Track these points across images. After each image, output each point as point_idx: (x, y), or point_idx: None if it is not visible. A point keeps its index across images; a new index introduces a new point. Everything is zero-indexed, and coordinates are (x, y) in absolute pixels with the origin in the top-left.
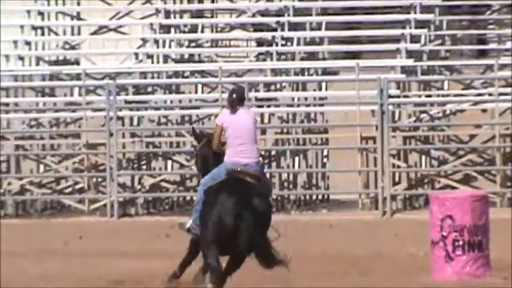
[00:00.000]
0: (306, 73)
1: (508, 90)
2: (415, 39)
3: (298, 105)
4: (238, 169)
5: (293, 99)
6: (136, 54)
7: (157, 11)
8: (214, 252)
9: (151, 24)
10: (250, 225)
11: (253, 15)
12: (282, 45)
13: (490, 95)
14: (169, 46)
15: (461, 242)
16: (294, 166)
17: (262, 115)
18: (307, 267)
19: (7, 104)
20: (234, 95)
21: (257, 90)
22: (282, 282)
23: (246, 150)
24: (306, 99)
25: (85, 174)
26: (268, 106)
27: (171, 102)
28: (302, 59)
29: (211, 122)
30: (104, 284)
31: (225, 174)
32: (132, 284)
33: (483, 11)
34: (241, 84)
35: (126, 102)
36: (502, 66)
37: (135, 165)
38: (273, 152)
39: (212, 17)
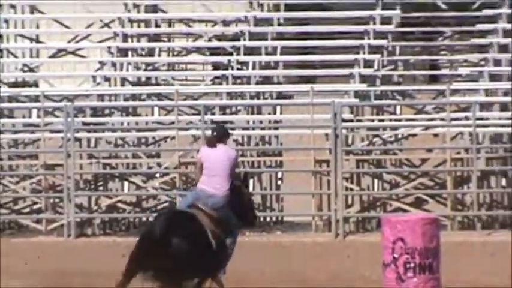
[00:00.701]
0: (261, 97)
1: (459, 115)
2: (368, 64)
3: (253, 128)
4: (199, 205)
5: (248, 122)
6: (94, 77)
7: (115, 35)
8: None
9: (109, 48)
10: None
11: (210, 40)
12: (238, 69)
13: (441, 119)
14: (127, 69)
15: (412, 264)
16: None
17: None
18: (258, 286)
19: None
20: (214, 133)
21: (213, 113)
22: None
23: (215, 182)
24: (261, 122)
25: (43, 194)
26: None
27: (128, 124)
28: (257, 83)
29: (168, 144)
30: None
31: (188, 205)
32: None
33: (435, 37)
34: (220, 123)
35: (84, 124)
36: (454, 92)
37: (92, 186)
38: None
39: (169, 40)
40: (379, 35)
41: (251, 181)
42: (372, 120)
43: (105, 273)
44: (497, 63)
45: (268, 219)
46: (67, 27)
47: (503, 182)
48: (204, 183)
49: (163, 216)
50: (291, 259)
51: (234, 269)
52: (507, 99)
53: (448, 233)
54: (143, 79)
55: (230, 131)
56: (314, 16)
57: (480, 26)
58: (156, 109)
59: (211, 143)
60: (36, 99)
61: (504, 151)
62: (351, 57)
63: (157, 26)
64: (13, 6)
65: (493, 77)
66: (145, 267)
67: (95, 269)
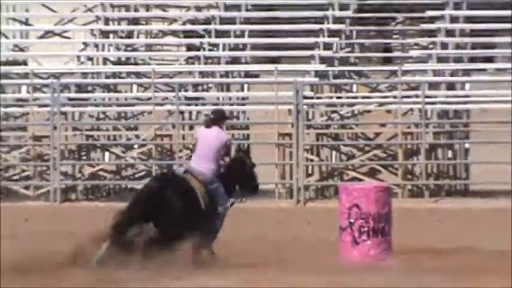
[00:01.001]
0: (230, 76)
1: (410, 93)
2: (327, 46)
3: (223, 104)
4: (192, 172)
5: (218, 98)
6: (79, 57)
7: (98, 18)
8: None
9: (92, 30)
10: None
11: (184, 23)
12: (209, 50)
13: (393, 97)
14: (108, 50)
15: (366, 228)
16: None
17: (190, 113)
18: (225, 249)
19: None
20: (212, 116)
21: (186, 90)
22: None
23: (201, 161)
24: (229, 99)
25: (31, 163)
26: (196, 105)
27: (109, 99)
28: (227, 63)
29: (145, 118)
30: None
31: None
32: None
33: (389, 22)
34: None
35: (69, 99)
36: (405, 72)
37: (76, 156)
38: None
39: (147, 24)
40: (338, 20)
41: None
42: (331, 98)
43: (88, 235)
44: (444, 46)
45: None
46: (54, 11)
47: (449, 154)
48: (193, 161)
49: (160, 176)
50: (255, 224)
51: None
52: (453, 79)
53: (398, 200)
54: (123, 59)
55: (228, 116)
56: (279, 3)
57: (429, 13)
58: (134, 86)
59: (207, 124)
60: (25, 76)
61: (450, 126)
62: (311, 40)
63: (136, 10)
64: None
65: (441, 59)
66: (137, 220)
67: (78, 232)
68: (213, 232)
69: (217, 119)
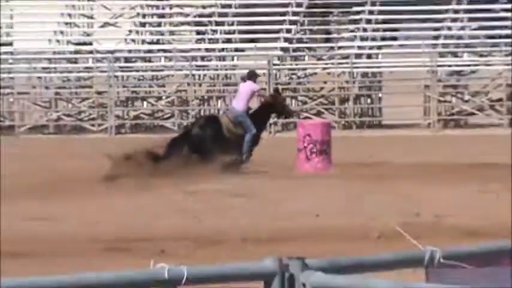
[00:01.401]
0: (225, 51)
1: (343, 61)
2: (289, 31)
3: (221, 70)
4: (227, 113)
5: (218, 66)
6: (126, 39)
7: (138, 14)
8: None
9: (134, 22)
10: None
11: (194, 17)
12: (211, 34)
13: (332, 64)
14: (144, 34)
15: (315, 150)
16: None
17: (199, 76)
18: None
19: None
20: (246, 74)
21: (196, 61)
22: None
23: (236, 103)
24: (225, 66)
25: (95, 109)
26: (203, 70)
27: (145, 67)
28: (223, 42)
29: (169, 78)
30: None
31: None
32: None
33: (328, 14)
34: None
35: (119, 67)
36: (339, 47)
37: (125, 104)
38: None
39: (170, 17)
40: (295, 13)
41: None
42: (291, 65)
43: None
44: (364, 30)
45: None
46: (108, 9)
47: (369, 100)
48: (233, 103)
49: (198, 118)
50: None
51: None
52: (371, 51)
53: (336, 131)
54: (154, 40)
55: (258, 74)
56: (257, 3)
57: (355, 8)
58: (162, 58)
59: (243, 80)
60: (91, 52)
61: (369, 82)
62: (278, 27)
63: (162, 8)
64: None
65: (362, 38)
66: (178, 148)
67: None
68: (240, 153)
69: (250, 76)
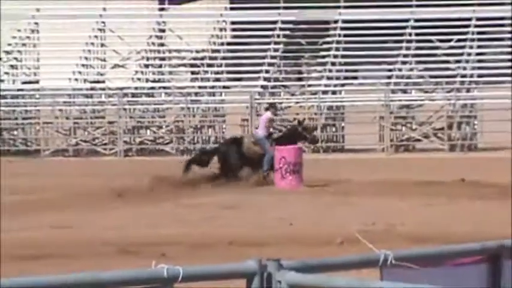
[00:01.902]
0: (215, 88)
1: (312, 97)
2: (267, 71)
3: (211, 103)
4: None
5: (208, 100)
6: (133, 78)
7: (143, 58)
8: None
9: (139, 64)
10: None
11: (189, 60)
12: (203, 74)
13: (303, 99)
14: (147, 74)
15: (289, 170)
16: None
17: (193, 109)
18: None
19: None
20: (266, 107)
21: (191, 96)
22: None
23: (258, 129)
24: (215, 100)
25: (107, 136)
26: (197, 104)
27: (149, 102)
28: (213, 81)
29: (168, 111)
30: None
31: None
32: None
33: (300, 58)
34: None
35: (127, 101)
36: (309, 85)
37: (132, 132)
38: None
39: (170, 60)
40: (273, 56)
41: None
42: (269, 99)
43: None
44: (330, 71)
45: None
46: (118, 52)
47: (333, 129)
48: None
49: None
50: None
51: None
52: (336, 88)
53: (306, 154)
54: (156, 79)
55: (275, 106)
56: (241, 48)
57: (321, 52)
58: (163, 94)
59: (266, 109)
60: (103, 89)
61: (333, 114)
62: (258, 68)
63: (163, 52)
64: None
65: (329, 78)
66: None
67: (135, 170)
68: (262, 168)
69: (268, 108)
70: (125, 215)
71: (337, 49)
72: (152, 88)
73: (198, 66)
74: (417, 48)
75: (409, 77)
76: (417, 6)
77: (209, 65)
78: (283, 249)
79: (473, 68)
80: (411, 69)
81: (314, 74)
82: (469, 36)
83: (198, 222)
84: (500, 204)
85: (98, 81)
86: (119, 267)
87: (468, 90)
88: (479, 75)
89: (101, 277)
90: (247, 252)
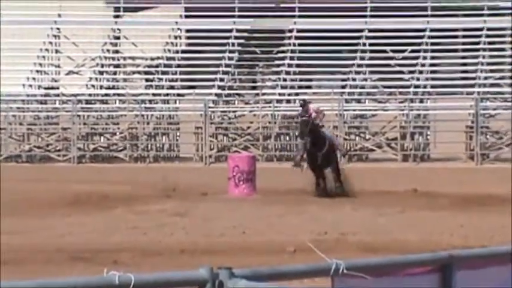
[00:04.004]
0: (170, 95)
1: (266, 105)
2: (222, 79)
3: (164, 110)
4: None
5: (162, 108)
6: (87, 85)
7: (97, 64)
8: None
9: (94, 70)
10: None
11: (144, 67)
12: (158, 81)
13: (257, 107)
14: (102, 81)
15: (242, 178)
16: None
17: (147, 116)
18: None
19: None
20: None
21: (145, 103)
22: None
23: None
24: (169, 108)
25: (60, 142)
26: (151, 111)
27: (103, 108)
28: (167, 88)
29: (123, 118)
30: None
31: None
32: None
33: (255, 67)
34: None
35: (81, 108)
36: (263, 94)
37: (85, 138)
38: None
39: (124, 67)
40: (227, 65)
41: None
42: (223, 107)
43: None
44: (284, 80)
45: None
46: (72, 59)
47: (287, 138)
48: None
49: None
50: (184, 177)
51: None
52: (290, 97)
53: (259, 163)
54: (111, 86)
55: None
56: (198, 56)
57: (276, 62)
58: (117, 101)
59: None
60: (58, 95)
61: (287, 123)
62: (213, 76)
63: (118, 59)
64: None
65: (283, 87)
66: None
67: (88, 176)
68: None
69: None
70: (78, 221)
71: (291, 58)
72: (106, 95)
73: (153, 74)
74: (371, 58)
75: (363, 87)
76: (371, 16)
77: (163, 73)
78: (235, 257)
79: (427, 79)
80: (365, 79)
81: (268, 83)
82: (423, 47)
83: (149, 230)
84: (452, 214)
85: (52, 88)
86: (71, 274)
87: (421, 101)
88: (433, 86)
89: (52, 284)
90: (199, 260)
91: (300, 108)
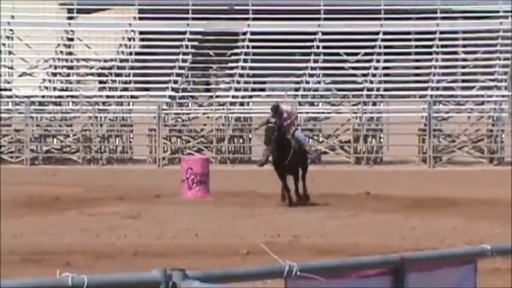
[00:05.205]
0: (123, 97)
1: (220, 107)
2: (175, 82)
3: (118, 112)
4: None
5: (116, 110)
6: (40, 87)
7: (50, 66)
8: None
9: (47, 72)
10: None
11: (97, 69)
12: (111, 83)
13: (211, 109)
14: (55, 82)
15: (196, 181)
16: None
17: (101, 118)
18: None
19: None
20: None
21: (99, 105)
22: None
23: None
24: (122, 110)
25: (13, 144)
26: (104, 113)
27: (56, 110)
28: (121, 90)
29: (76, 119)
30: None
31: None
32: None
33: (209, 69)
34: None
35: (34, 109)
36: (217, 96)
37: (38, 140)
38: None
39: (78, 69)
40: (181, 67)
41: None
42: (176, 109)
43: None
44: (238, 82)
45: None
46: (25, 61)
47: (241, 140)
48: None
49: None
50: (137, 179)
51: None
52: (244, 100)
53: (213, 165)
54: (64, 87)
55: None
56: (149, 58)
57: (230, 64)
58: (70, 102)
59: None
60: (11, 97)
61: (241, 125)
62: (167, 78)
63: (71, 61)
64: None
65: (237, 89)
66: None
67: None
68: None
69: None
70: (30, 223)
71: (245, 61)
72: (60, 97)
73: (106, 76)
74: (325, 61)
75: (316, 90)
76: (325, 19)
77: (117, 75)
78: (189, 259)
79: (380, 82)
80: (318, 82)
81: (222, 85)
82: (376, 50)
83: (102, 232)
84: (404, 217)
85: (5, 89)
86: (23, 276)
87: (374, 104)
88: (386, 89)
89: (5, 285)
90: (152, 262)
91: (271, 113)
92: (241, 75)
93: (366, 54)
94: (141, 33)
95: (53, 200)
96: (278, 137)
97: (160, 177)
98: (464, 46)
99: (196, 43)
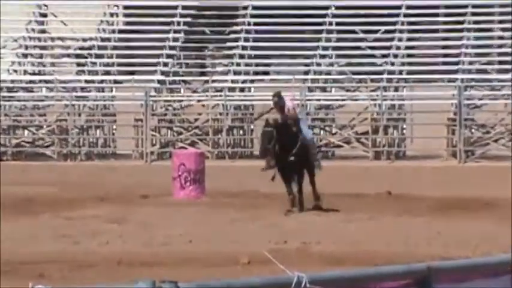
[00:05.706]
0: (104, 83)
1: (217, 94)
2: (165, 64)
3: (99, 100)
4: None
5: (97, 97)
6: (9, 70)
7: (20, 46)
8: None
9: (17, 54)
10: None
11: (75, 49)
12: (91, 66)
13: (206, 96)
14: (27, 65)
15: (189, 179)
16: None
17: (79, 106)
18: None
19: None
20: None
21: (76, 91)
22: None
23: None
24: (103, 97)
25: None
26: (83, 101)
27: (27, 97)
28: (102, 74)
29: (50, 108)
30: None
31: None
32: None
33: (204, 49)
34: None
35: (3, 97)
36: (214, 81)
37: (7, 132)
38: None
39: (52, 49)
40: (172, 47)
41: None
42: (166, 96)
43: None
44: (238, 64)
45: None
46: None
47: (241, 132)
48: None
49: None
50: (121, 177)
51: None
52: (244, 85)
53: (209, 161)
54: (37, 71)
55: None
56: (138, 45)
57: (228, 43)
58: (44, 88)
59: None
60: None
61: (241, 115)
62: (155, 60)
63: (45, 40)
64: None
65: (236, 73)
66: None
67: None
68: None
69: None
70: None
71: (246, 40)
72: (31, 82)
73: (85, 57)
74: (338, 40)
75: (328, 73)
76: None
77: (98, 56)
78: (180, 269)
79: (403, 64)
80: (331, 64)
81: (219, 68)
82: (398, 27)
83: (81, 238)
84: (430, 220)
85: None
86: None
87: (396, 89)
88: (409, 72)
89: None
90: (139, 272)
91: (272, 103)
92: (241, 57)
93: (386, 31)
94: (125, 7)
95: (24, 202)
96: (278, 139)
97: (148, 174)
98: (500, 22)
99: (189, 19)
